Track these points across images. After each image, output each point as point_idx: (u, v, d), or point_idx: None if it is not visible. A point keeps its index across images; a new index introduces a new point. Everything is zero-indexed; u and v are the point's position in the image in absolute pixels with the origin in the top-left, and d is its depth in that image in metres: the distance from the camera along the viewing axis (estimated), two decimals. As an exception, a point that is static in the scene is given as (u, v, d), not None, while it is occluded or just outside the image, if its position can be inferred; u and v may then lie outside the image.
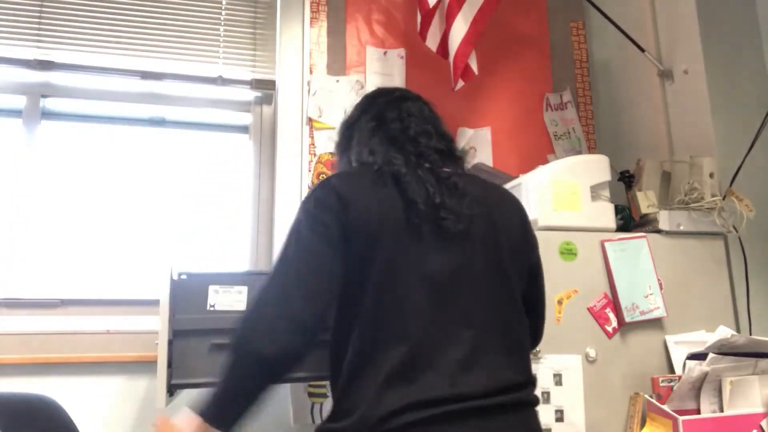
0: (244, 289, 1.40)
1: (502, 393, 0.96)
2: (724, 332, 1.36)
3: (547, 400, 1.40)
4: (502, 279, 1.05)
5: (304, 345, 0.97)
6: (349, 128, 1.25)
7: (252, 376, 0.96)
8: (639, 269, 1.54)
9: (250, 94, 2.15)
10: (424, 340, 0.95)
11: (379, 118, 1.18)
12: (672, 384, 1.40)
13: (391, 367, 0.93)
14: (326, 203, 1.01)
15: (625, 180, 1.76)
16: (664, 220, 1.62)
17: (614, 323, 1.51)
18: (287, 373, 1.00)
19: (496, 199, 1.12)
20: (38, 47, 1.95)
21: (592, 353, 1.47)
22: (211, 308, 1.37)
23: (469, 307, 0.99)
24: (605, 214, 1.60)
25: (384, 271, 0.97)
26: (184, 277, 1.39)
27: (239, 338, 0.97)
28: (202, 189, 2.08)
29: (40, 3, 1.97)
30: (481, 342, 0.98)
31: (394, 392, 0.91)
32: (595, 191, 1.60)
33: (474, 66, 1.91)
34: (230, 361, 0.97)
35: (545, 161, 1.91)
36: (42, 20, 1.97)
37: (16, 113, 1.96)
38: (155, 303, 1.35)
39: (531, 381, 1.04)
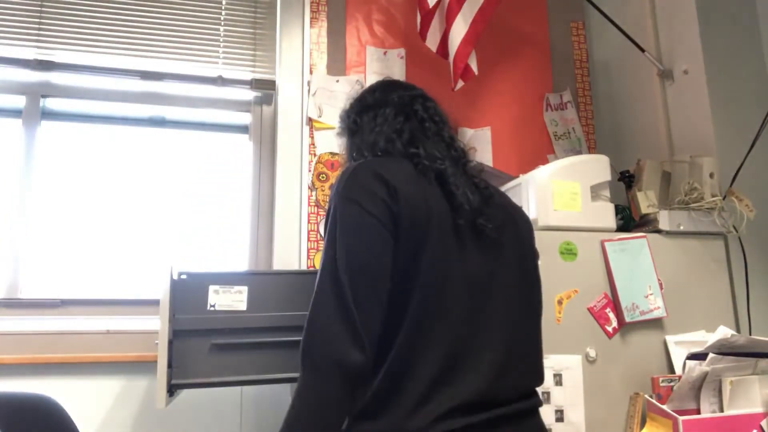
0: (244, 289, 1.40)
1: (526, 398, 0.98)
2: (724, 332, 1.36)
3: (547, 400, 1.40)
4: (528, 285, 1.07)
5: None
6: (367, 111, 1.17)
7: (337, 389, 0.87)
8: (639, 269, 1.54)
9: (250, 94, 2.15)
10: (467, 344, 0.94)
11: (407, 111, 1.14)
12: (672, 384, 1.40)
13: (437, 370, 0.90)
14: (372, 189, 0.94)
15: (625, 180, 1.75)
16: (664, 220, 1.62)
17: (614, 323, 1.51)
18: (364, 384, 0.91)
19: (512, 206, 1.14)
20: (38, 47, 1.95)
21: (592, 353, 1.47)
22: (211, 308, 1.37)
23: (502, 313, 0.99)
24: (605, 214, 1.60)
25: (431, 271, 0.93)
26: (184, 277, 1.39)
27: (314, 348, 0.88)
28: (202, 189, 2.08)
29: (40, 3, 1.97)
30: (512, 347, 0.98)
31: (440, 395, 0.89)
32: (595, 191, 1.60)
33: (474, 66, 1.91)
34: (307, 378, 0.88)
35: (545, 161, 1.91)
36: (42, 20, 1.97)
37: (16, 113, 1.96)
38: (155, 303, 1.35)
39: (540, 385, 1.06)
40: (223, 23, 2.13)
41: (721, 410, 1.35)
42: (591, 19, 2.36)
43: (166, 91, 2.08)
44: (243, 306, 1.39)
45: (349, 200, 0.94)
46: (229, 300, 1.39)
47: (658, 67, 2.02)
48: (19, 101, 1.96)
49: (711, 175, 1.69)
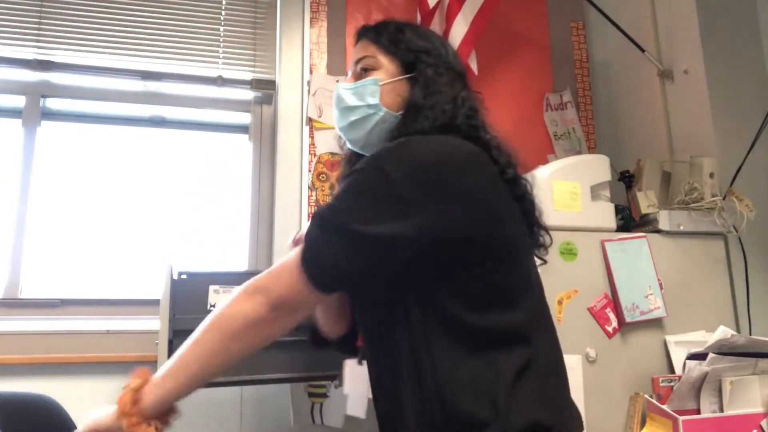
0: (244, 289, 1.39)
1: None
2: (724, 332, 1.36)
3: (547, 400, 1.40)
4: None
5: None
6: (428, 53, 1.03)
7: None
8: (639, 269, 1.54)
9: (249, 94, 2.15)
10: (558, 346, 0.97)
11: (464, 80, 1.06)
12: (672, 384, 1.40)
13: (555, 372, 0.92)
14: (484, 161, 0.90)
15: (625, 180, 1.76)
16: (664, 220, 1.62)
17: (614, 323, 1.51)
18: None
19: None
20: (38, 47, 1.95)
21: (592, 353, 1.47)
22: (211, 308, 1.37)
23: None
24: (605, 214, 1.60)
25: (532, 272, 0.93)
26: (184, 277, 1.39)
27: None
28: (202, 189, 2.08)
29: (40, 3, 1.97)
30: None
31: (555, 399, 0.89)
32: (595, 191, 1.60)
33: (474, 66, 1.91)
34: None
35: (545, 161, 1.91)
36: (42, 20, 1.97)
37: (16, 113, 1.96)
38: (155, 303, 1.35)
39: None
40: (223, 23, 2.13)
41: (721, 410, 1.35)
42: (591, 19, 2.36)
43: (166, 91, 2.08)
44: (243, 306, 1.39)
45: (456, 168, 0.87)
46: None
47: (658, 67, 2.02)
48: (19, 101, 1.96)
49: (711, 175, 1.69)
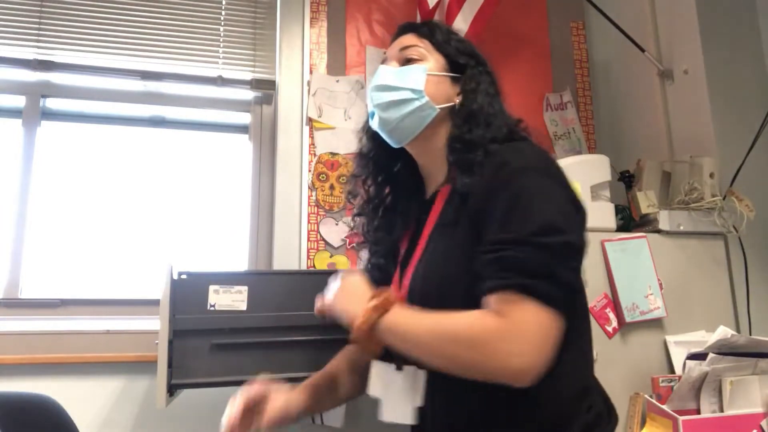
0: (244, 288, 1.40)
1: None
2: (724, 332, 1.36)
3: (547, 400, 1.40)
4: None
5: None
6: (479, 63, 1.08)
7: None
8: (639, 269, 1.54)
9: (249, 94, 2.15)
10: None
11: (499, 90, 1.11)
12: (672, 384, 1.40)
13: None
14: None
15: (625, 180, 1.76)
16: (664, 220, 1.62)
17: (614, 323, 1.51)
18: None
19: None
20: (38, 47, 1.95)
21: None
22: (211, 308, 1.37)
23: None
24: (605, 214, 1.60)
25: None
26: (184, 277, 1.39)
27: None
28: (202, 189, 2.08)
29: (40, 3, 1.97)
30: None
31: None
32: (595, 191, 1.60)
33: (474, 66, 1.91)
34: None
35: (545, 161, 1.91)
36: (42, 20, 1.97)
37: (16, 113, 1.96)
38: (155, 303, 1.35)
39: None
40: (223, 23, 2.13)
41: (721, 410, 1.35)
42: (591, 19, 2.36)
43: (166, 91, 2.08)
44: (243, 306, 1.39)
45: (565, 189, 0.90)
46: (229, 300, 1.39)
47: (658, 67, 2.02)
48: (19, 101, 1.96)
49: (711, 175, 1.69)
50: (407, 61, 1.06)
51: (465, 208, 0.90)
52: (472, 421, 0.88)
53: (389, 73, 1.05)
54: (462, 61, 1.06)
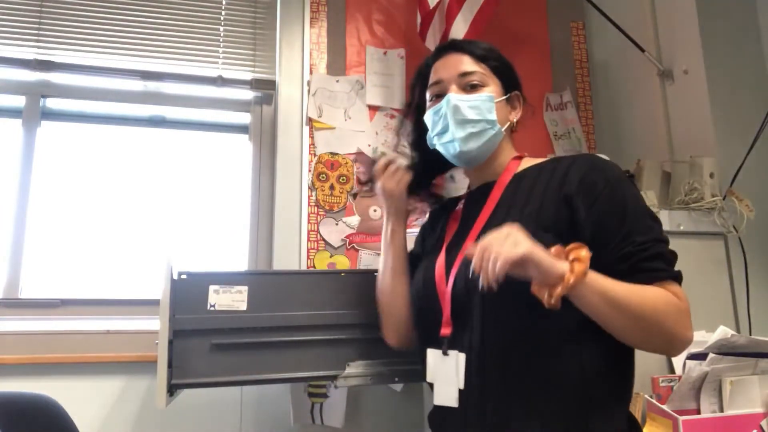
0: (244, 288, 1.40)
1: None
2: (724, 332, 1.36)
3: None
4: None
5: None
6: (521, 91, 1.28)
7: None
8: (639, 269, 1.54)
9: (249, 94, 2.15)
10: None
11: None
12: (672, 384, 1.40)
13: None
14: None
15: (625, 180, 1.75)
16: (664, 220, 1.62)
17: (614, 323, 1.50)
18: None
19: None
20: (38, 47, 1.95)
21: (592, 353, 1.46)
22: (211, 308, 1.37)
23: None
24: (605, 214, 1.59)
25: None
26: (184, 277, 1.39)
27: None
28: (202, 189, 2.08)
29: (40, 3, 1.97)
30: None
31: None
32: (595, 191, 1.59)
33: (474, 66, 1.91)
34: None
35: (545, 161, 1.91)
36: (42, 20, 1.97)
37: (16, 113, 1.96)
38: (155, 303, 1.35)
39: None
40: (223, 23, 2.13)
41: (721, 410, 1.35)
42: (591, 19, 2.36)
43: (166, 91, 2.08)
44: (243, 306, 1.39)
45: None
46: (229, 300, 1.39)
47: (658, 67, 2.02)
48: (19, 101, 1.96)
49: (711, 175, 1.69)
50: (472, 88, 1.13)
51: (548, 191, 1.02)
52: (508, 403, 0.95)
53: (462, 104, 1.11)
54: (510, 81, 1.20)
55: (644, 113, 2.12)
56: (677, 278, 0.96)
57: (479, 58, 1.16)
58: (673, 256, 0.97)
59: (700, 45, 1.87)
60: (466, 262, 0.97)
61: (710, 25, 1.89)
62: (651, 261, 0.94)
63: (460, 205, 1.21)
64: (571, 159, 1.06)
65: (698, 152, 1.79)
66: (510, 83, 1.20)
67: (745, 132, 1.80)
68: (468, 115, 1.10)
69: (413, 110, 1.26)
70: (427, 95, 1.20)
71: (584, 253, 0.87)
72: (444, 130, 1.13)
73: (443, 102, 1.13)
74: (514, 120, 1.20)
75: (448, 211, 1.23)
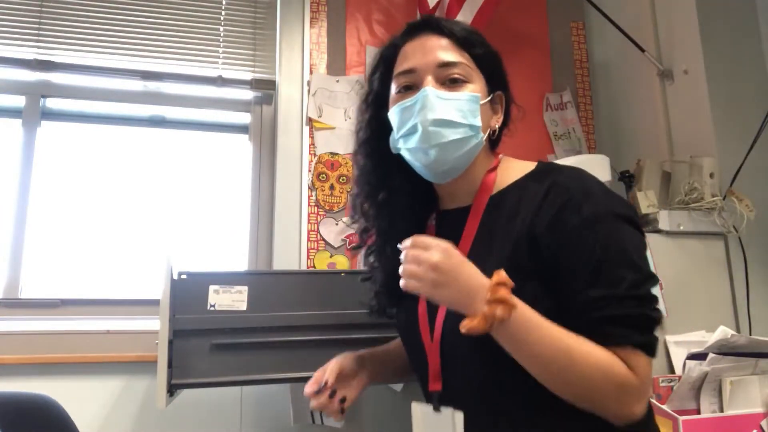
0: (244, 289, 1.40)
1: None
2: (724, 332, 1.36)
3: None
4: None
5: None
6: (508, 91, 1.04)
7: None
8: (639, 269, 1.53)
9: (249, 94, 2.15)
10: None
11: None
12: (672, 384, 1.40)
13: None
14: None
15: (625, 180, 1.75)
16: (664, 220, 1.62)
17: (614, 323, 1.50)
18: None
19: None
20: (38, 47, 1.95)
21: (592, 353, 1.46)
22: (211, 308, 1.37)
23: None
24: (605, 214, 1.59)
25: None
26: (184, 277, 1.39)
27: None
28: (202, 189, 2.08)
29: (40, 3, 1.97)
30: None
31: None
32: (595, 191, 1.59)
33: (474, 66, 1.91)
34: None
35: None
36: (42, 20, 1.97)
37: (16, 113, 1.96)
38: (155, 303, 1.35)
39: None
40: (223, 23, 2.13)
41: (721, 410, 1.35)
42: (591, 19, 2.36)
43: (166, 91, 2.08)
44: (243, 306, 1.39)
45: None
46: (229, 300, 1.39)
47: (658, 67, 2.02)
48: (19, 101, 1.96)
49: (711, 175, 1.69)
50: (452, 83, 0.91)
51: (520, 226, 0.85)
52: None
53: (444, 103, 0.89)
54: (495, 76, 0.96)
55: (644, 113, 2.12)
56: (643, 345, 0.79)
57: (462, 44, 0.93)
58: (645, 318, 0.79)
59: (700, 45, 1.87)
60: (453, 313, 0.83)
61: (710, 25, 1.89)
62: (603, 324, 0.78)
63: (432, 222, 1.04)
64: (550, 182, 0.86)
65: (698, 152, 1.79)
66: (495, 79, 0.97)
67: (745, 132, 1.80)
68: (449, 116, 0.88)
69: (371, 104, 1.01)
70: (393, 86, 0.96)
71: (507, 286, 0.75)
72: (412, 131, 0.90)
73: (417, 96, 0.89)
74: (496, 126, 0.96)
75: (417, 217, 1.03)
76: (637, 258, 0.81)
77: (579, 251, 0.80)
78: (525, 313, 0.77)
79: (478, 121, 0.90)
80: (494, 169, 0.95)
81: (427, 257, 0.78)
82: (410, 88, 0.93)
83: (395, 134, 0.94)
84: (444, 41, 0.93)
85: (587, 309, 0.78)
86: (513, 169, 0.94)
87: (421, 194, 1.02)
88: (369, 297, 1.11)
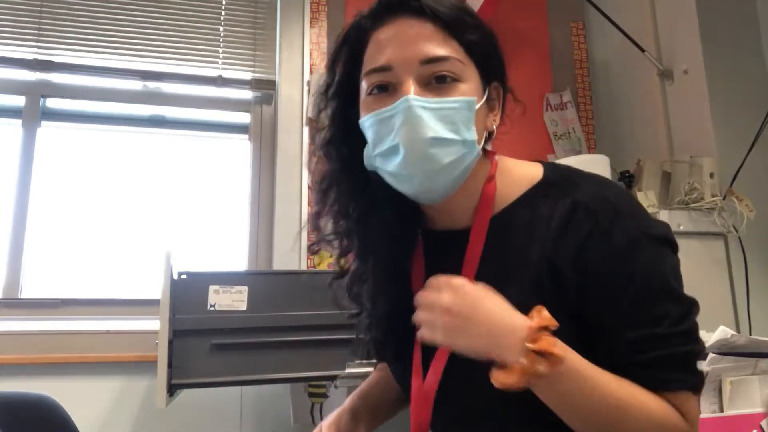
0: (244, 289, 1.40)
1: None
2: (724, 332, 1.35)
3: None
4: None
5: None
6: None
7: None
8: (639, 269, 1.53)
9: (249, 94, 2.15)
10: None
11: None
12: (672, 384, 1.40)
13: None
14: None
15: (625, 180, 1.75)
16: (664, 220, 1.62)
17: (614, 323, 1.50)
18: None
19: None
20: (38, 47, 1.95)
21: (592, 353, 1.46)
22: (211, 308, 1.37)
23: None
24: (605, 214, 1.59)
25: None
26: (184, 277, 1.39)
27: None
28: (202, 189, 2.08)
29: (40, 3, 1.97)
30: None
31: None
32: (595, 191, 1.59)
33: (474, 66, 1.91)
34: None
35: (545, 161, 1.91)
36: (42, 20, 1.97)
37: (16, 113, 1.96)
38: (155, 303, 1.35)
39: None
40: (223, 23, 2.13)
41: (721, 410, 1.34)
42: (591, 19, 2.36)
43: (166, 91, 2.08)
44: (243, 306, 1.39)
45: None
46: (229, 300, 1.39)
47: (658, 67, 2.02)
48: (19, 101, 1.96)
49: (711, 175, 1.69)
50: (439, 82, 0.70)
51: (535, 258, 0.71)
52: None
53: (432, 115, 0.68)
54: (490, 64, 0.76)
55: (644, 113, 2.12)
56: (695, 387, 0.69)
57: (450, 29, 0.71)
58: (692, 355, 0.69)
59: (700, 45, 1.87)
60: (459, 360, 0.67)
61: (710, 25, 1.89)
62: (649, 368, 0.67)
63: (419, 247, 0.84)
64: (570, 205, 0.71)
65: (698, 152, 1.79)
66: (490, 68, 0.76)
67: (745, 132, 1.80)
68: (437, 132, 0.68)
69: (333, 97, 0.79)
70: (364, 83, 0.74)
71: (547, 346, 0.60)
72: (393, 152, 0.70)
73: (397, 107, 0.69)
74: (494, 127, 0.77)
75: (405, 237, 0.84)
76: (678, 286, 0.72)
77: (612, 286, 0.68)
78: (572, 363, 0.63)
79: (472, 134, 0.70)
80: (493, 177, 0.78)
81: (437, 300, 0.64)
82: (385, 88, 0.72)
83: (370, 149, 0.74)
84: (428, 27, 0.71)
85: (629, 351, 0.68)
86: (514, 175, 0.78)
87: (406, 208, 0.81)
88: (360, 334, 0.96)
